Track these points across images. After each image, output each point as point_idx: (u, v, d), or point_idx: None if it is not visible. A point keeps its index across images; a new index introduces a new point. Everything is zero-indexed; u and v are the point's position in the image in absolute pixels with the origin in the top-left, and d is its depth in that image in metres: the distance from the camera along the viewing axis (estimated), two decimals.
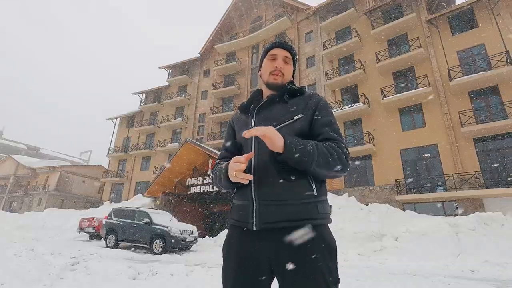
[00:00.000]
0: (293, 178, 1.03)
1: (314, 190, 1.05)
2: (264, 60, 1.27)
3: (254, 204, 1.05)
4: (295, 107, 1.14)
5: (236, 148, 1.27)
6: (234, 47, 26.25)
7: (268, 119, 1.14)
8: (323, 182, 1.12)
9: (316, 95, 1.20)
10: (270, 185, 1.04)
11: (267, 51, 1.27)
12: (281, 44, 1.25)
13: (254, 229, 1.03)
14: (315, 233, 1.02)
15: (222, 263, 1.15)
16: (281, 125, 1.11)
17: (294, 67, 1.30)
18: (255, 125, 1.16)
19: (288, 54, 1.24)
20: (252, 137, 1.14)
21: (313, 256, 0.98)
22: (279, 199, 1.02)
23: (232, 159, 1.04)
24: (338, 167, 1.01)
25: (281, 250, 1.00)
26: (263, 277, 1.04)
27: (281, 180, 1.03)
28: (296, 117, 1.11)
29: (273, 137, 0.96)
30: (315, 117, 1.13)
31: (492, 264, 6.51)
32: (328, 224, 1.09)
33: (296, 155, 0.97)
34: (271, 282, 1.07)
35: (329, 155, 1.00)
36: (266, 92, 1.26)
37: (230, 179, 1.06)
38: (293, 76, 1.29)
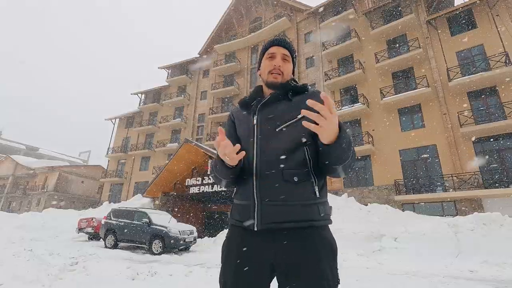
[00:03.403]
0: (296, 180, 1.03)
1: (316, 191, 1.04)
2: (263, 59, 1.25)
3: (256, 204, 1.04)
4: (298, 106, 1.11)
5: (237, 142, 1.22)
6: (234, 47, 26.26)
7: (271, 118, 1.13)
8: (325, 184, 1.11)
9: (319, 93, 1.19)
10: (273, 186, 1.03)
11: (265, 49, 1.24)
12: (279, 42, 1.22)
13: (256, 229, 1.02)
14: (317, 234, 1.02)
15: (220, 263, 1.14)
16: (285, 124, 1.09)
17: (294, 64, 1.27)
18: (257, 122, 1.14)
19: (286, 52, 1.21)
20: (254, 135, 1.13)
21: (314, 257, 0.98)
22: (282, 200, 1.02)
23: (220, 145, 1.00)
24: (352, 168, 1.05)
25: (282, 251, 1.00)
26: (263, 277, 1.03)
27: (283, 181, 1.03)
28: (299, 116, 1.09)
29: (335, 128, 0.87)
30: None
31: (491, 265, 6.52)
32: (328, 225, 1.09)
33: (342, 148, 0.91)
34: (271, 281, 1.06)
35: (354, 156, 1.02)
36: (266, 91, 1.24)
37: (224, 160, 1.03)
38: (293, 74, 1.26)
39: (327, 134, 0.87)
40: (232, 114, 1.30)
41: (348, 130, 0.93)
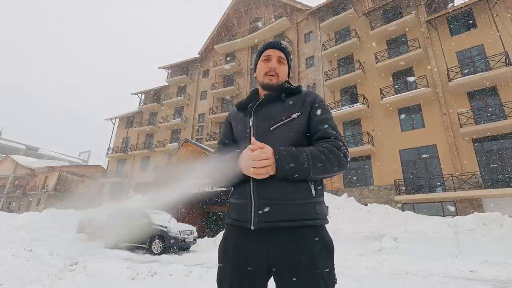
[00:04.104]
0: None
1: (313, 191, 1.05)
2: (259, 61, 1.28)
3: (253, 203, 1.04)
4: (292, 106, 1.16)
5: (232, 143, 1.26)
6: (234, 47, 26.27)
7: (266, 118, 1.15)
8: (322, 183, 1.13)
9: (312, 93, 1.21)
10: (270, 185, 1.04)
11: (261, 52, 1.27)
12: (275, 44, 1.25)
13: (252, 228, 1.03)
14: (314, 233, 1.02)
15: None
16: (279, 124, 1.12)
17: (289, 67, 1.30)
18: (253, 124, 1.17)
19: (282, 55, 1.24)
20: (250, 135, 1.14)
21: (311, 256, 0.98)
22: (279, 199, 1.02)
23: (249, 151, 0.99)
24: (336, 168, 1.02)
25: (279, 250, 1.00)
26: (260, 277, 1.04)
27: (280, 180, 1.03)
28: (293, 116, 1.12)
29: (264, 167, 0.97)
30: (312, 115, 1.14)
31: (491, 265, 6.52)
32: (326, 225, 1.09)
33: (291, 174, 0.99)
34: (268, 281, 1.07)
35: (326, 159, 1.00)
36: (262, 93, 1.26)
37: (245, 173, 1.01)
38: (288, 76, 1.29)
39: (263, 175, 0.98)
40: (229, 116, 1.34)
41: (287, 154, 0.98)
